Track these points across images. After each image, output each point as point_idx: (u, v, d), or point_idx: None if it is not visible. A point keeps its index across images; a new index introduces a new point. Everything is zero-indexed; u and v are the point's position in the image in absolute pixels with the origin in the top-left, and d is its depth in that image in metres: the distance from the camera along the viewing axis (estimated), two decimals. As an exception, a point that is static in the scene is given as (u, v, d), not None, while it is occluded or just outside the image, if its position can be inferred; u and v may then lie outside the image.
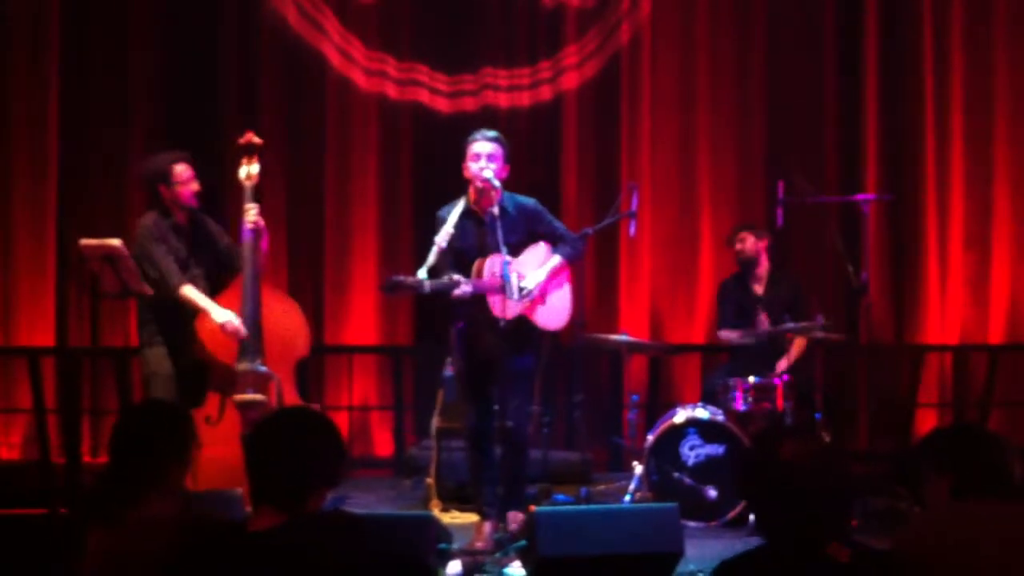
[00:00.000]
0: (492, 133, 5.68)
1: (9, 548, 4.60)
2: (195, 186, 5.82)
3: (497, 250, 5.47)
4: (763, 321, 6.92)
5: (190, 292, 5.69)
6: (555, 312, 5.80)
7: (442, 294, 5.47)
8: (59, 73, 7.96)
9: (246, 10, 8.15)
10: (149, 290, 5.61)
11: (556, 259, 5.77)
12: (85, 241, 5.53)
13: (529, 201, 5.84)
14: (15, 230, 7.92)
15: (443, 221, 5.56)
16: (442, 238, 5.48)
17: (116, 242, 5.45)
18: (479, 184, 5.58)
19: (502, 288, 5.47)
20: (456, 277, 5.45)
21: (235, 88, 8.13)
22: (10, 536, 4.70)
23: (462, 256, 5.59)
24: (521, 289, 5.59)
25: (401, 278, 5.33)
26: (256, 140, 5.94)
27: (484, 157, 5.58)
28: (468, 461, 5.84)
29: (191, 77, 8.08)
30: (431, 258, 5.43)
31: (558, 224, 5.90)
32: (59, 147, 7.95)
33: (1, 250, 7.93)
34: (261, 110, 8.12)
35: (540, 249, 5.80)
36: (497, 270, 5.51)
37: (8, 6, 7.94)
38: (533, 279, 5.66)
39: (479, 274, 5.55)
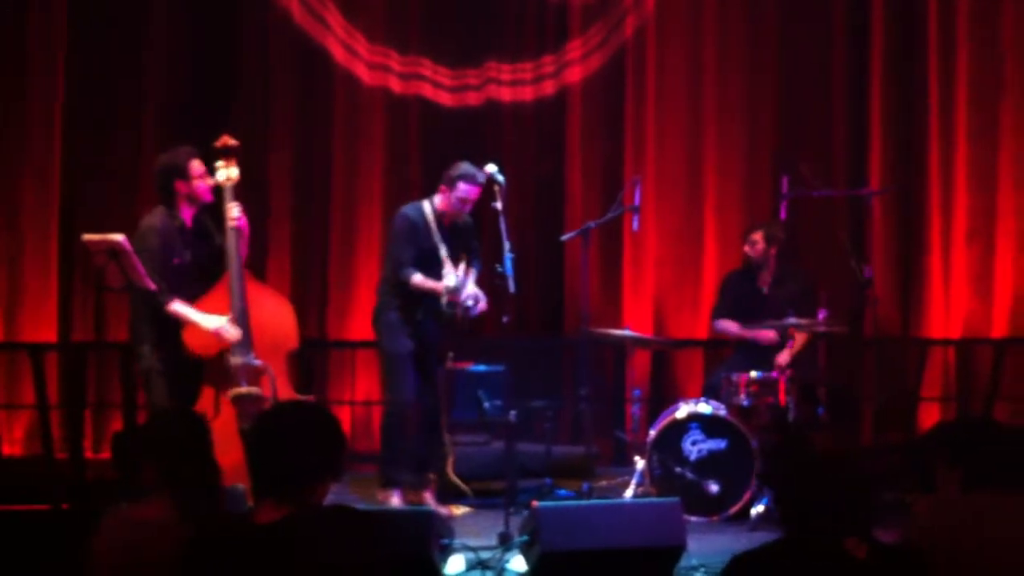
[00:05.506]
0: (482, 178, 6.27)
1: (12, 544, 4.59)
2: (211, 180, 5.82)
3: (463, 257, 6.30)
4: (767, 329, 6.89)
5: (177, 308, 5.64)
6: None
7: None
8: (67, 71, 7.94)
9: (255, 9, 8.15)
10: (153, 285, 5.57)
11: (474, 272, 6.39)
12: (88, 236, 5.49)
13: (469, 219, 6.51)
14: (21, 226, 7.91)
15: (417, 222, 6.29)
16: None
17: (119, 237, 5.40)
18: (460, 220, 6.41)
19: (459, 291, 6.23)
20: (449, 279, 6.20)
21: (245, 86, 8.13)
22: (13, 532, 4.69)
23: (426, 253, 6.24)
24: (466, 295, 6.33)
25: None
26: (232, 142, 5.91)
27: (471, 203, 6.34)
28: (389, 434, 6.42)
29: (201, 76, 8.07)
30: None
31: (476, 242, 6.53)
32: (64, 145, 7.94)
33: (6, 245, 7.92)
34: (270, 108, 8.12)
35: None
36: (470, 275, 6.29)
37: (19, 7, 7.92)
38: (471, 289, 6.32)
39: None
